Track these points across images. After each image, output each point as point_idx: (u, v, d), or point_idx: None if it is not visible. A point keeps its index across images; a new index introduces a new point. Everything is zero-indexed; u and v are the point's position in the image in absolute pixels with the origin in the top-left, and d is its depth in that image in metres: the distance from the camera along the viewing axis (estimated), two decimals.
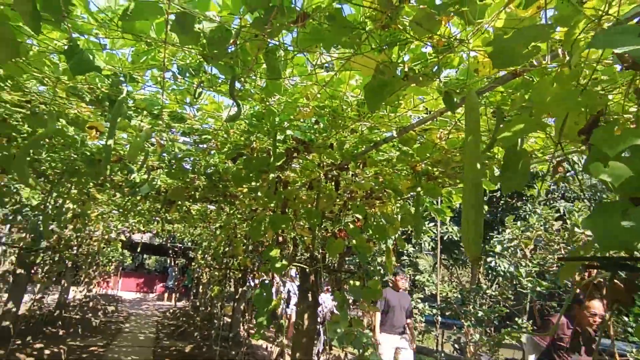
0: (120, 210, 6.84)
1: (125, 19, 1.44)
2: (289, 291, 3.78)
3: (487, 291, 4.53)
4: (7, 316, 4.42)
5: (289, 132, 2.51)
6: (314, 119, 2.40)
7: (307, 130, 2.55)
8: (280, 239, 2.95)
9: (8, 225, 6.44)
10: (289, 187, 3.16)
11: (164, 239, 12.83)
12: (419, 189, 2.86)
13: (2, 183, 5.54)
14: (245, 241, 5.96)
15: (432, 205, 3.84)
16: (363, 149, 2.75)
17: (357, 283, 2.91)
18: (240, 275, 5.57)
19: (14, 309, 4.52)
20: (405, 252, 8.84)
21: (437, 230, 6.75)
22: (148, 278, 17.99)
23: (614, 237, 0.72)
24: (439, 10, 1.21)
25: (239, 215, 5.19)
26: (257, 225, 2.90)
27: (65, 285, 7.28)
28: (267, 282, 2.75)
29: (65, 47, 1.72)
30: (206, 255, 9.39)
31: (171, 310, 11.55)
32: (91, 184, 4.68)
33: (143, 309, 11.88)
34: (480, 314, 4.26)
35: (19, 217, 5.74)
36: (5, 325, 4.35)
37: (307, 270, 3.05)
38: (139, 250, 14.26)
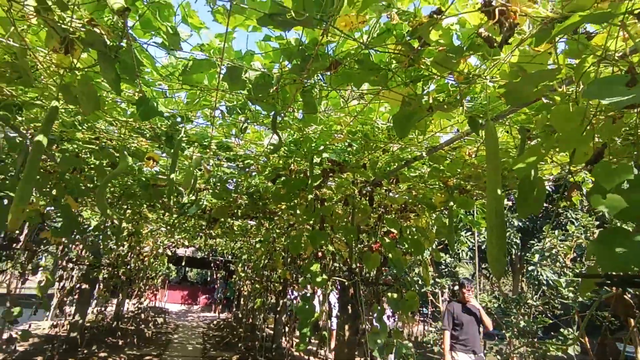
0: (168, 227, 7.33)
1: (184, 74, 1.70)
2: (329, 303, 3.93)
3: (529, 301, 4.44)
4: (74, 327, 4.89)
5: (324, 155, 2.70)
6: (348, 142, 2.58)
7: (342, 153, 2.73)
8: (320, 253, 3.13)
9: (71, 245, 7.03)
10: (326, 204, 3.35)
11: (206, 253, 13.41)
12: (451, 203, 2.96)
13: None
14: (284, 254, 6.21)
15: (466, 216, 3.89)
16: (395, 167, 2.90)
17: (395, 295, 3.02)
18: (280, 287, 5.79)
19: (81, 321, 4.98)
20: (443, 262, 8.74)
21: (474, 239, 6.67)
22: (192, 290, 18.72)
23: (613, 261, 0.85)
24: (455, 53, 1.37)
25: (277, 230, 5.44)
26: (296, 241, 3.10)
27: (121, 298, 7.84)
28: (308, 294, 2.93)
29: (134, 96, 2.03)
30: (246, 268, 9.76)
31: (215, 322, 11.99)
32: (144, 205, 5.11)
33: (189, 320, 12.42)
34: (522, 324, 4.19)
35: (78, 236, 6.32)
36: (74, 335, 4.80)
37: (346, 283, 3.21)
38: (183, 263, 14.94)
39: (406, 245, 3.20)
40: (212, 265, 14.42)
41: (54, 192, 2.75)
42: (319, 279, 2.83)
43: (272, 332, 6.57)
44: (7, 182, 2.42)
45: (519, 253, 10.90)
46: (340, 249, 3.52)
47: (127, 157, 2.25)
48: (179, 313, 14.56)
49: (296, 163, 3.06)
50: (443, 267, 9.14)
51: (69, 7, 1.36)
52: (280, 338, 6.08)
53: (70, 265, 4.57)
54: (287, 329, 5.74)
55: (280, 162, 3.04)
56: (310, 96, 1.83)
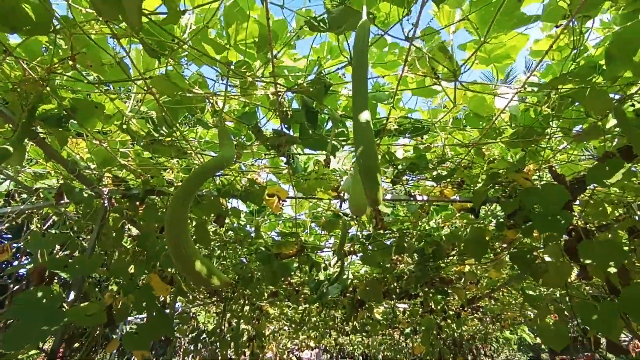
0: (293, 326, 5.97)
1: None
2: None
3: None
4: None
5: None
6: None
7: None
8: None
9: (190, 356, 6.23)
10: None
11: (334, 355, 11.50)
12: None
13: (181, 309, 5.33)
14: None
15: None
16: None
17: None
18: None
19: None
20: None
21: None
22: None
23: None
24: None
25: (451, 312, 3.64)
26: None
27: None
28: None
29: None
30: None
31: None
32: (264, 295, 3.92)
33: None
34: None
35: (199, 345, 5.36)
36: None
37: None
38: None
39: None
40: None
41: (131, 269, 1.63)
42: None
43: None
44: None
45: None
46: None
47: (232, 141, 1.03)
48: None
49: None
50: None
51: None
52: None
53: None
54: None
55: None
56: None
